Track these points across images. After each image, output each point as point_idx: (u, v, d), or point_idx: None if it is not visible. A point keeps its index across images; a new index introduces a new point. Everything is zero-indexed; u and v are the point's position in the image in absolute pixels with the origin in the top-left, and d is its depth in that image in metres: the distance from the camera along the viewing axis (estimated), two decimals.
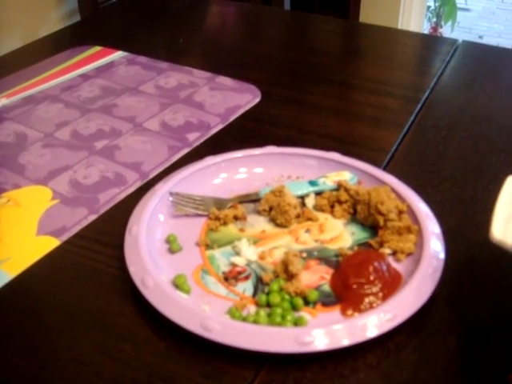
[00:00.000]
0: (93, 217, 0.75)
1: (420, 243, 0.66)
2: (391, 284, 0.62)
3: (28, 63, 1.15)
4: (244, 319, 0.58)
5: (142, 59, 1.17)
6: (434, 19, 4.07)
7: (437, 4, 4.00)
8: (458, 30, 4.20)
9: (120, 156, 0.86)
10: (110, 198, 0.78)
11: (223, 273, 0.65)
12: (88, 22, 1.38)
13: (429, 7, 3.88)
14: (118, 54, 1.19)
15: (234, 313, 0.59)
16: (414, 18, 2.79)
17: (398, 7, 2.53)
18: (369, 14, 2.01)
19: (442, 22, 4.06)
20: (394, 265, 0.65)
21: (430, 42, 1.35)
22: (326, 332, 0.55)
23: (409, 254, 0.66)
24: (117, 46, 1.22)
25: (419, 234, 0.67)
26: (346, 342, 0.55)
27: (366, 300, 0.60)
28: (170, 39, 1.27)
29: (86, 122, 0.95)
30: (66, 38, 1.31)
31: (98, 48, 1.22)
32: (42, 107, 1.00)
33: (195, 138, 0.90)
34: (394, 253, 0.66)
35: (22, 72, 1.12)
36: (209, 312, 0.59)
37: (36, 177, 0.82)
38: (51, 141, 0.91)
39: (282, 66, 1.15)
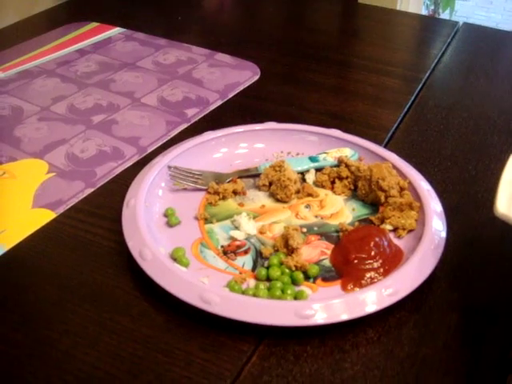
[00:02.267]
0: (89, 190, 0.74)
1: (421, 220, 0.65)
2: (392, 260, 0.61)
3: (24, 38, 1.13)
4: (243, 292, 0.58)
5: (140, 35, 1.15)
6: (432, 7, 4.05)
7: None
8: (455, 19, 4.16)
9: (117, 130, 0.85)
10: (107, 171, 0.77)
11: (222, 247, 0.64)
12: None
13: None
14: (115, 30, 1.18)
15: (234, 286, 0.58)
16: (412, 4, 2.77)
17: None
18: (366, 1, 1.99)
19: (440, 10, 4.04)
20: (395, 241, 0.64)
21: (431, 24, 1.33)
22: (326, 306, 0.55)
23: (410, 231, 0.66)
24: (114, 23, 1.20)
25: (421, 210, 0.66)
26: (345, 317, 0.55)
27: (367, 275, 0.59)
28: (168, 16, 1.26)
29: (83, 96, 0.94)
30: (63, 13, 1.29)
31: (95, 24, 1.20)
32: (39, 81, 0.99)
33: (194, 114, 0.89)
34: (395, 229, 0.66)
35: (18, 46, 1.11)
36: (208, 285, 0.58)
37: (32, 150, 0.81)
38: (47, 114, 0.89)
39: (281, 44, 1.14)
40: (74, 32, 1.17)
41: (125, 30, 1.18)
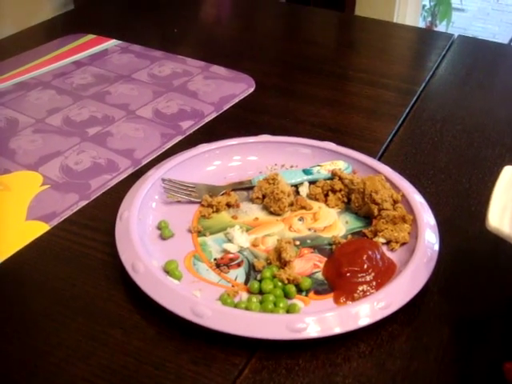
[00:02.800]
0: (84, 203, 0.74)
1: (414, 233, 0.65)
2: (385, 273, 0.61)
3: (21, 50, 1.14)
4: (235, 306, 0.58)
5: (136, 48, 1.16)
6: (429, 18, 4.07)
7: (432, 3, 3.99)
8: (452, 30, 4.19)
9: (112, 143, 0.85)
10: (101, 184, 0.77)
11: (215, 259, 0.64)
12: (82, 11, 1.37)
13: (424, 6, 3.87)
14: (111, 43, 1.18)
15: (226, 299, 0.58)
16: (409, 16, 2.78)
17: (393, 4, 2.53)
18: (364, 11, 2.00)
19: (437, 22, 4.05)
20: (388, 254, 0.64)
21: (426, 36, 1.34)
22: (318, 319, 0.55)
23: (403, 244, 0.66)
24: (111, 35, 1.21)
25: (414, 223, 0.66)
26: (338, 330, 0.55)
27: (360, 288, 0.59)
28: (164, 28, 1.26)
29: (78, 108, 0.94)
30: (59, 25, 1.29)
31: (91, 36, 1.20)
32: (34, 93, 0.99)
33: (189, 126, 0.89)
34: (388, 242, 0.66)
35: (15, 58, 1.11)
36: (200, 298, 0.58)
37: (26, 162, 0.81)
38: (42, 126, 0.89)
39: (276, 56, 1.15)
40: (70, 44, 1.17)
41: (121, 42, 1.18)
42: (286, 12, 1.44)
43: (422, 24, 3.91)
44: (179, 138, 0.86)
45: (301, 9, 1.46)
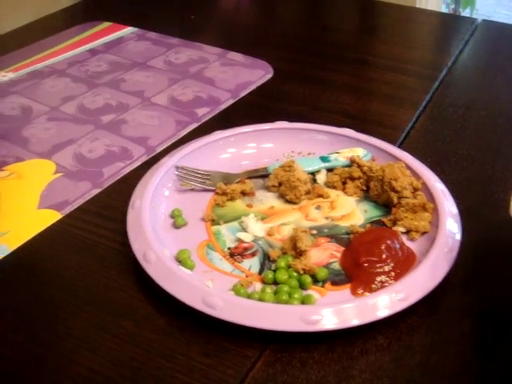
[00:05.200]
0: (96, 191, 0.73)
1: (435, 222, 0.63)
2: (404, 263, 0.59)
3: (37, 38, 1.13)
4: (249, 296, 0.56)
5: (152, 35, 1.14)
6: (453, 5, 4.01)
7: None
8: (476, 17, 4.13)
9: (126, 130, 0.84)
10: (114, 172, 0.76)
11: (229, 249, 0.63)
12: None
13: None
14: (127, 30, 1.16)
15: (239, 289, 0.56)
16: (431, 2, 2.74)
17: None
18: None
19: (461, 9, 4.00)
20: (408, 244, 0.62)
21: (449, 21, 1.31)
22: (334, 311, 0.53)
23: (423, 233, 0.63)
24: (127, 23, 1.19)
25: (435, 212, 0.64)
26: (355, 322, 0.53)
27: (378, 279, 0.57)
28: (181, 15, 1.24)
29: (92, 96, 0.93)
30: (76, 13, 1.28)
31: (107, 24, 1.19)
32: (49, 81, 0.98)
33: (204, 113, 0.87)
34: (408, 231, 0.64)
35: (30, 47, 1.10)
36: (212, 288, 0.57)
37: (40, 150, 0.80)
38: (57, 114, 0.88)
39: (294, 43, 1.12)
40: (86, 32, 1.16)
41: (137, 29, 1.16)
42: None
43: (444, 10, 3.85)
44: (195, 125, 0.85)
45: None
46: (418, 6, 2.07)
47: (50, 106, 0.90)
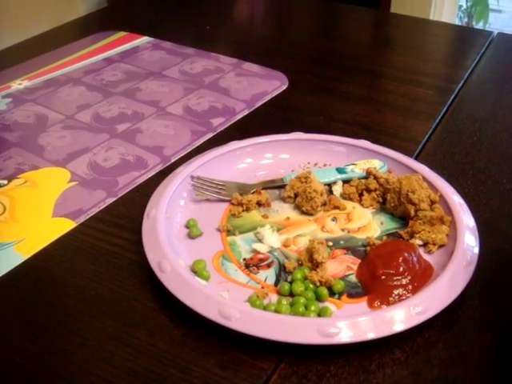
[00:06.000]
0: (111, 200, 0.72)
1: (453, 235, 0.62)
2: (422, 276, 0.58)
3: (53, 47, 1.13)
4: (265, 308, 0.55)
5: (168, 45, 1.14)
6: (466, 19, 4.01)
7: (468, 4, 3.93)
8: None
9: (141, 139, 0.84)
10: (129, 181, 0.75)
11: (244, 260, 0.62)
12: (115, 8, 1.36)
13: (460, 6, 3.82)
14: (143, 40, 1.17)
15: (255, 301, 0.56)
16: (445, 16, 2.74)
17: (429, 4, 2.49)
18: (399, 9, 1.96)
19: (474, 23, 3.99)
20: (425, 257, 0.61)
21: (464, 34, 1.30)
22: (351, 324, 0.52)
23: (441, 246, 0.63)
24: (142, 32, 1.20)
25: (452, 225, 0.63)
26: (372, 336, 0.52)
27: (395, 292, 0.57)
28: (196, 26, 1.25)
29: (108, 105, 0.93)
30: (92, 23, 1.29)
31: (123, 33, 1.20)
32: (64, 90, 0.98)
33: (219, 123, 0.87)
34: (425, 244, 0.63)
35: (46, 55, 1.10)
36: (228, 299, 0.56)
37: (55, 158, 0.80)
38: (72, 123, 0.88)
39: (310, 54, 1.12)
40: (102, 41, 1.16)
41: (153, 39, 1.17)
42: (320, 9, 1.41)
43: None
44: (210, 135, 0.85)
45: (335, 6, 1.43)
46: (431, 17, 2.08)
47: (65, 115, 0.90)
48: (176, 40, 1.16)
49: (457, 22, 3.72)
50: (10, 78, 1.02)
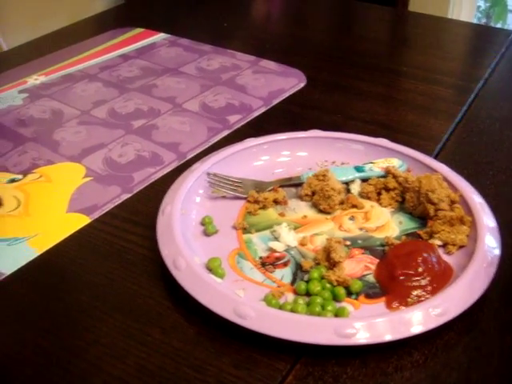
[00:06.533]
0: (126, 196, 0.72)
1: (473, 236, 0.61)
2: (441, 277, 0.57)
3: (70, 43, 1.13)
4: (281, 307, 0.54)
5: (185, 41, 1.14)
6: (484, 20, 3.98)
7: (487, 4, 3.90)
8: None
9: (157, 136, 0.83)
10: (144, 177, 0.75)
11: (260, 258, 0.61)
12: (132, 5, 1.35)
13: (479, 7, 3.79)
14: (160, 36, 1.16)
15: (271, 300, 0.55)
16: (463, 17, 2.72)
17: (447, 5, 2.47)
18: (417, 8, 1.95)
19: (492, 23, 3.96)
20: (445, 257, 0.60)
21: (484, 33, 1.28)
22: (369, 325, 0.51)
23: (460, 247, 0.61)
24: (159, 29, 1.19)
25: (472, 225, 0.62)
26: (389, 337, 0.51)
27: (414, 293, 0.56)
28: (213, 23, 1.24)
29: (123, 101, 0.92)
30: (109, 19, 1.29)
31: (140, 30, 1.19)
32: (80, 85, 0.98)
33: (236, 120, 0.86)
34: (445, 245, 0.62)
35: (63, 51, 1.10)
36: (243, 298, 0.55)
37: (70, 153, 0.79)
38: (87, 118, 0.88)
39: (328, 52, 1.11)
40: (118, 37, 1.16)
41: (169, 35, 1.16)
42: (338, 7, 1.40)
43: None
44: (226, 132, 0.84)
45: (353, 4, 1.42)
46: (449, 16, 2.05)
47: (80, 110, 0.90)
48: (193, 37, 1.15)
49: (475, 21, 3.68)
50: (26, 73, 1.02)
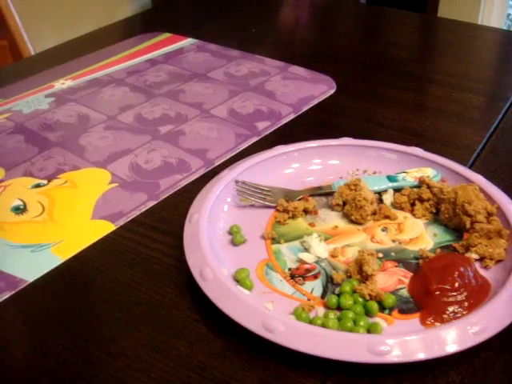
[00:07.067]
0: (152, 203, 0.70)
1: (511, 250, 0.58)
2: (478, 293, 0.55)
3: (97, 48, 1.12)
4: (311, 321, 0.52)
5: (212, 47, 1.12)
6: None
7: None
8: None
9: (184, 142, 0.82)
10: (171, 184, 0.73)
11: (290, 269, 0.59)
12: (159, 10, 1.35)
13: (509, 15, 3.74)
14: (187, 41, 1.15)
15: (300, 314, 0.53)
16: (493, 23, 2.68)
17: (477, 12, 2.44)
18: (446, 15, 1.92)
19: None
20: (482, 272, 0.58)
21: None
22: (402, 342, 0.49)
23: (498, 261, 0.59)
24: (187, 34, 1.18)
25: (511, 239, 0.60)
26: (423, 356, 0.49)
27: (450, 309, 0.53)
28: (241, 28, 1.22)
29: (150, 106, 0.91)
30: (136, 24, 1.28)
31: (167, 35, 1.18)
32: (107, 90, 0.96)
33: (265, 127, 0.85)
34: (482, 259, 0.59)
35: (90, 55, 1.09)
36: (272, 311, 0.53)
37: (95, 159, 0.78)
38: (114, 123, 0.87)
39: (358, 58, 1.09)
40: (146, 42, 1.15)
41: (197, 40, 1.15)
42: (367, 13, 1.38)
43: None
44: (255, 139, 0.82)
45: (382, 10, 1.40)
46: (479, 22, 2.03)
47: (107, 115, 0.89)
48: (221, 42, 1.14)
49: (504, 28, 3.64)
50: (53, 77, 1.01)
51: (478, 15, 2.53)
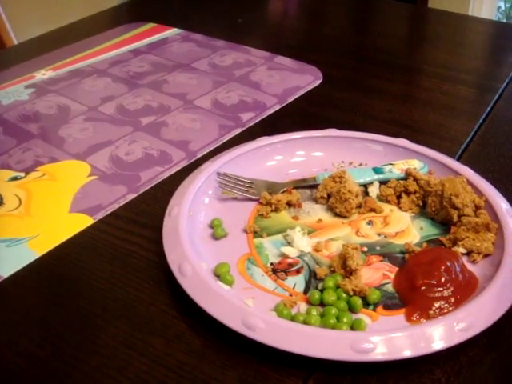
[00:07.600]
0: (132, 196, 0.68)
1: (500, 244, 0.57)
2: (465, 288, 0.53)
3: (81, 37, 1.10)
4: (293, 318, 0.51)
5: (198, 37, 1.11)
6: (504, 20, 3.92)
7: (507, 5, 3.85)
8: None
9: (167, 133, 0.80)
10: (152, 176, 0.71)
11: (272, 264, 0.58)
12: (146, 0, 1.32)
13: (499, 8, 3.74)
14: (172, 31, 1.13)
15: (282, 310, 0.51)
16: (483, 15, 2.67)
17: (467, 4, 2.43)
18: (436, 6, 1.91)
19: None
20: (469, 267, 0.57)
21: (507, 31, 1.24)
22: (387, 339, 0.48)
23: (486, 256, 0.58)
24: (172, 24, 1.16)
25: (499, 232, 0.58)
26: (409, 353, 0.47)
27: (436, 305, 0.52)
28: (227, 18, 1.21)
29: (133, 97, 0.89)
30: (122, 14, 1.26)
31: (152, 24, 1.16)
32: (89, 81, 0.94)
33: (249, 118, 0.83)
34: (469, 253, 0.58)
35: (73, 45, 1.07)
36: (253, 307, 0.51)
37: (75, 151, 0.76)
38: (95, 115, 0.85)
39: (346, 48, 1.07)
40: (130, 32, 1.13)
41: (182, 30, 1.13)
42: (356, 3, 1.37)
43: None
44: (239, 130, 0.80)
45: (371, 0, 1.38)
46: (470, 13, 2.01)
47: (88, 106, 0.87)
48: (206, 32, 1.12)
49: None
50: (34, 68, 0.99)
51: (468, 8, 2.52)
